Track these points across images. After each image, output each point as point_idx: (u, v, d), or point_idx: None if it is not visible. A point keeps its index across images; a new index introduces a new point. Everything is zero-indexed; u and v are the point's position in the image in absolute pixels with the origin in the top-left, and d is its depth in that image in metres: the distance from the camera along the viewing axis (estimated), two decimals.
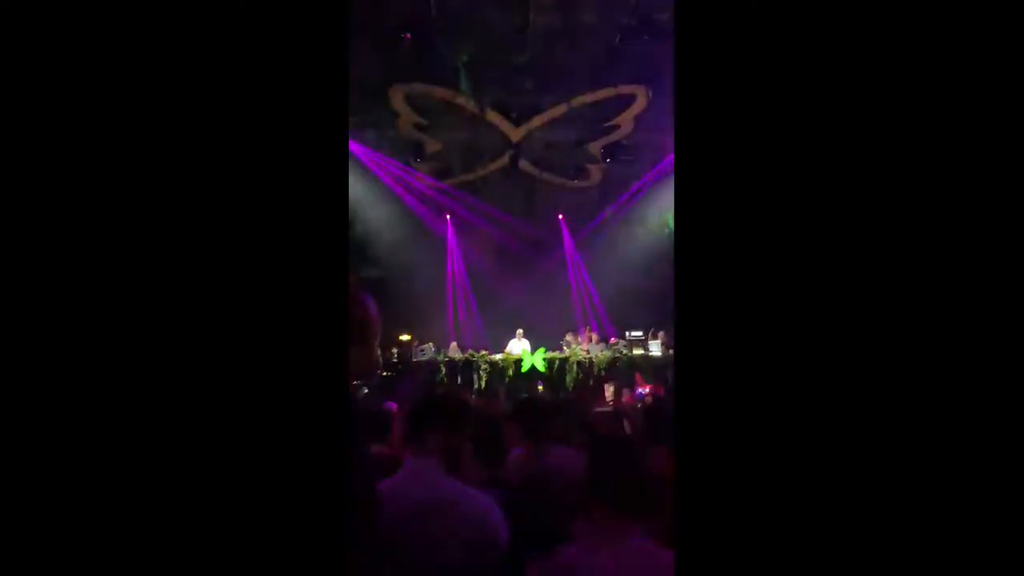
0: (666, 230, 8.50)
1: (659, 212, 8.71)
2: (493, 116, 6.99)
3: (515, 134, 7.35)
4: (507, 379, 7.40)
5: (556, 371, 7.40)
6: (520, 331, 8.25)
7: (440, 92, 6.61)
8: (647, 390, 6.36)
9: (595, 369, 7.33)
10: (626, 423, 3.19)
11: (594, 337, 8.15)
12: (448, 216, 9.31)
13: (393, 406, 2.85)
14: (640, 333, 7.75)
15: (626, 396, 6.22)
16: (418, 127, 7.32)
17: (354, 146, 7.63)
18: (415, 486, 1.36)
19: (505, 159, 7.81)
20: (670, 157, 7.55)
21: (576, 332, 8.22)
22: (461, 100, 6.60)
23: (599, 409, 2.93)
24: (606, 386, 4.91)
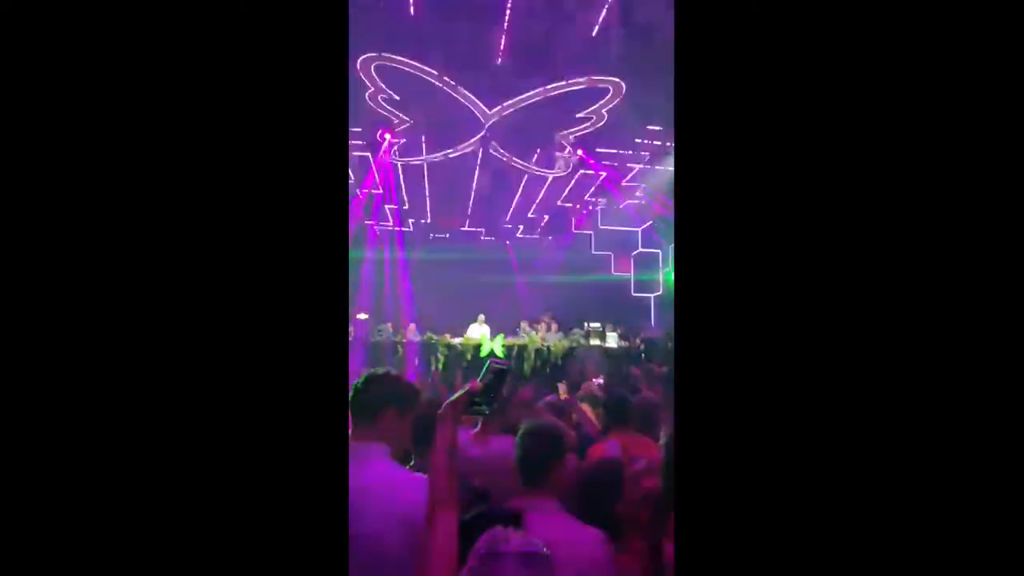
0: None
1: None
2: (466, 94, 6.86)
3: (488, 116, 7.24)
4: (465, 363, 7.37)
5: (515, 358, 7.41)
6: (482, 316, 8.21)
7: (413, 65, 6.43)
8: (600, 380, 6.42)
9: (552, 357, 7.37)
10: (574, 415, 3.20)
11: (553, 326, 8.19)
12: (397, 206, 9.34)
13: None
14: (599, 324, 7.83)
15: (583, 388, 6.26)
16: (388, 101, 7.12)
17: None
18: (367, 472, 1.33)
19: (475, 141, 7.69)
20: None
21: (532, 321, 8.25)
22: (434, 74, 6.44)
23: (547, 400, 2.94)
24: (560, 385, 4.93)
